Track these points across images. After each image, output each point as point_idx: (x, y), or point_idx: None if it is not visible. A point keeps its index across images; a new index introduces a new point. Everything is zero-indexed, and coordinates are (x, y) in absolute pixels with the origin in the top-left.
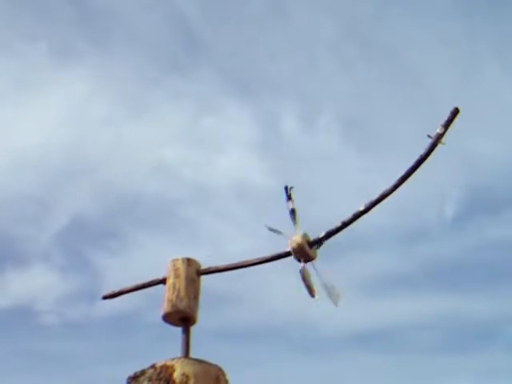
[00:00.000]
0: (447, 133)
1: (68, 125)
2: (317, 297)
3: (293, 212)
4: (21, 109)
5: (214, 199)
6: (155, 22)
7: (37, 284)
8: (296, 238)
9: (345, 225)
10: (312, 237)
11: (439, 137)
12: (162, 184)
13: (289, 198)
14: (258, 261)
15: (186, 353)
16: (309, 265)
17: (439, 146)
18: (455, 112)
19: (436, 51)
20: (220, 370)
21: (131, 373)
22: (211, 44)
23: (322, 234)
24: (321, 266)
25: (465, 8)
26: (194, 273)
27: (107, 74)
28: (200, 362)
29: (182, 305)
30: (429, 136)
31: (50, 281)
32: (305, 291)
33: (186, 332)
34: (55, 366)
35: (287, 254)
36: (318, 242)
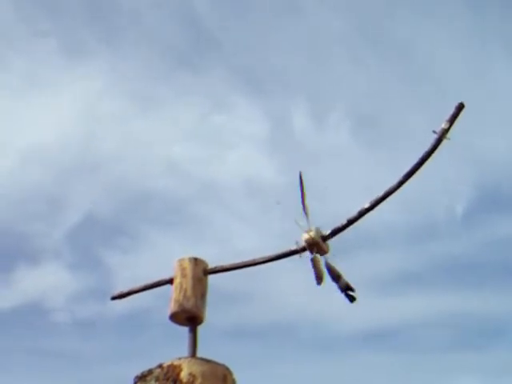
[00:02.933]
0: (452, 128)
1: (79, 122)
2: (323, 284)
3: (304, 204)
4: (32, 106)
5: (223, 196)
6: (166, 18)
7: (48, 281)
8: (311, 232)
9: (350, 222)
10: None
11: (444, 132)
12: (172, 181)
13: (301, 185)
14: (264, 259)
15: (193, 352)
16: (321, 258)
17: (444, 141)
18: (460, 107)
19: (448, 48)
20: (227, 369)
21: (138, 372)
22: (222, 41)
23: (328, 232)
24: (333, 260)
25: (477, 5)
26: (201, 272)
27: (118, 71)
28: (207, 361)
29: (189, 304)
30: (434, 131)
31: (61, 278)
32: (313, 279)
33: (193, 331)
34: (64, 364)
35: (293, 253)
36: (330, 237)
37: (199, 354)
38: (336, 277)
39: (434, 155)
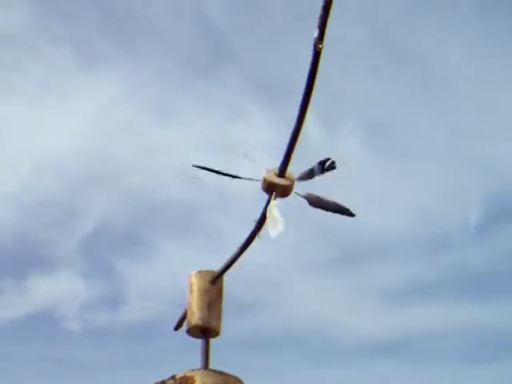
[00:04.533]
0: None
1: (94, 130)
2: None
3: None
4: (47, 113)
5: (237, 205)
6: (182, 26)
7: (60, 290)
8: (265, 176)
9: (282, 172)
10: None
11: (318, 41)
12: (186, 190)
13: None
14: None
15: (206, 364)
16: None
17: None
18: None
19: (464, 59)
20: (239, 381)
21: (151, 383)
22: (237, 50)
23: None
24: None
25: (494, 15)
26: (207, 283)
27: (133, 79)
28: (220, 373)
29: (194, 318)
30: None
31: (73, 287)
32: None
33: (206, 343)
34: (75, 373)
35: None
36: (284, 167)
37: (212, 365)
38: (324, 206)
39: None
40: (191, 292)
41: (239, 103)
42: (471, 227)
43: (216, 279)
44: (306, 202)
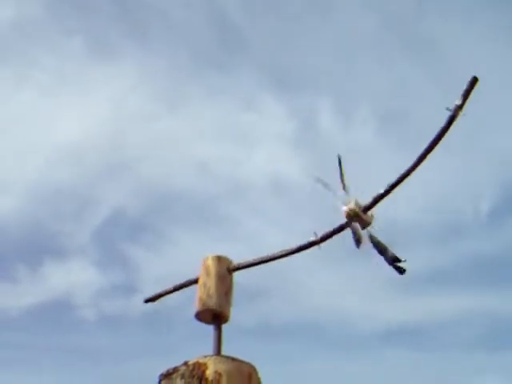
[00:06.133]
0: (466, 103)
1: (107, 120)
2: (363, 247)
3: (343, 182)
4: (60, 104)
5: (250, 195)
6: (194, 16)
7: (75, 278)
8: (350, 204)
9: (366, 209)
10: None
11: (458, 108)
12: (199, 180)
13: (340, 166)
14: (284, 253)
15: (218, 350)
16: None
17: (459, 117)
18: (474, 81)
19: (478, 46)
20: (252, 367)
21: (164, 370)
22: (250, 39)
23: (369, 201)
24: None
25: (506, 2)
26: (225, 270)
27: (146, 69)
28: (232, 359)
29: (213, 302)
30: (448, 109)
31: (88, 275)
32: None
33: (218, 329)
34: (89, 360)
35: (312, 244)
36: (372, 206)
37: (224, 352)
38: (382, 250)
39: (448, 133)
40: (208, 274)
41: (252, 94)
42: (484, 215)
43: (234, 269)
44: (369, 240)
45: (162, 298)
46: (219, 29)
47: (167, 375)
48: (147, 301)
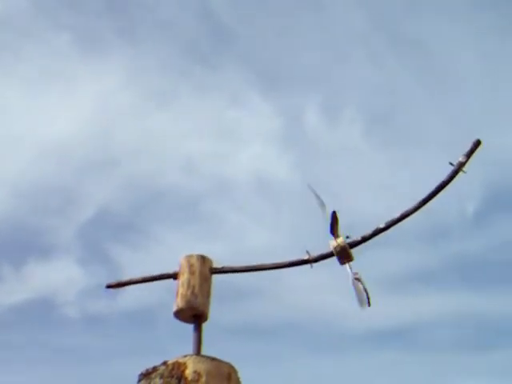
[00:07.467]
0: (469, 162)
1: (96, 116)
2: (365, 307)
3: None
4: (49, 100)
5: (235, 193)
6: (182, 13)
7: (59, 276)
8: (338, 239)
9: (364, 239)
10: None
11: (461, 165)
12: (185, 177)
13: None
14: (273, 266)
15: (198, 350)
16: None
17: (460, 173)
18: (477, 143)
19: (465, 45)
20: (232, 367)
21: (143, 369)
22: (239, 37)
23: (358, 239)
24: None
25: (495, 3)
26: (208, 270)
27: (135, 65)
28: (212, 359)
29: (197, 301)
30: (451, 164)
31: (72, 273)
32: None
33: (198, 329)
34: (70, 359)
35: (304, 262)
36: (358, 244)
37: (204, 351)
38: (366, 293)
39: (449, 186)
40: (192, 273)
41: (240, 91)
42: (469, 216)
43: (217, 271)
44: (350, 273)
45: (127, 287)
46: (207, 26)
47: (146, 375)
48: (109, 286)
